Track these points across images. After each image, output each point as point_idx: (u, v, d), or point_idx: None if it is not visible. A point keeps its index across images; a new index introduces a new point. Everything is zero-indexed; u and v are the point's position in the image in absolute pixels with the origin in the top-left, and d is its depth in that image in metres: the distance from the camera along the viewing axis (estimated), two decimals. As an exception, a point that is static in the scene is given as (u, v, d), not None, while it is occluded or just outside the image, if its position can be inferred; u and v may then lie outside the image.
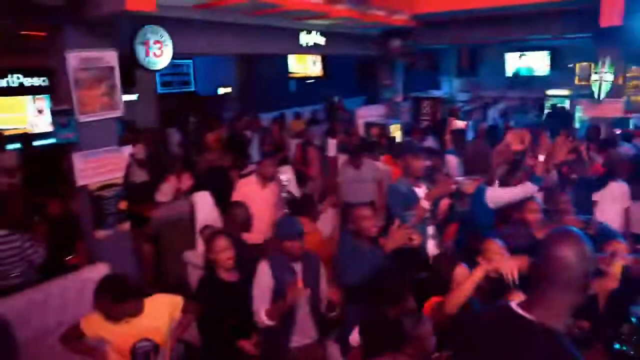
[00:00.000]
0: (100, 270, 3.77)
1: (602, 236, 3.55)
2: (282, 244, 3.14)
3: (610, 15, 8.60)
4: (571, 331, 2.82)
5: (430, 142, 8.18)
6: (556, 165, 4.82)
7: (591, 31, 9.35)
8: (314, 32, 8.54)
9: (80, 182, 4.39)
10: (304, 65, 12.54)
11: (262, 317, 3.00)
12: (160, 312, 2.89)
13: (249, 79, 13.60)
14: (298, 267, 3.18)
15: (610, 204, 5.22)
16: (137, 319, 2.79)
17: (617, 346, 2.97)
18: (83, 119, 4.37)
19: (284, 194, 5.51)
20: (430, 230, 4.07)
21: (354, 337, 2.90)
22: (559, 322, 1.65)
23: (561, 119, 10.94)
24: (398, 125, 9.62)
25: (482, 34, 10.95)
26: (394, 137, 9.02)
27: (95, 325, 2.76)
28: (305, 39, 8.41)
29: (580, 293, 1.65)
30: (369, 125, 9.43)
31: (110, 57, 4.55)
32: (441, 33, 10.99)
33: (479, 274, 2.28)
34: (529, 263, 2.57)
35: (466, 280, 2.65)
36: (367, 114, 10.20)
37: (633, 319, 3.04)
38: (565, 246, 1.63)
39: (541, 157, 3.91)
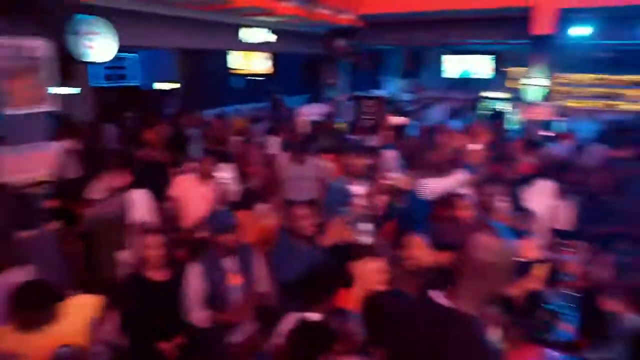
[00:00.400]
0: (21, 274, 3.55)
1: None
2: (215, 238, 3.12)
3: (542, 24, 9.06)
4: (493, 319, 2.95)
5: (374, 141, 8.28)
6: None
7: (525, 38, 9.78)
8: (261, 29, 8.50)
9: (5, 178, 4.16)
10: (249, 62, 12.41)
11: (196, 317, 2.96)
12: (80, 315, 2.75)
13: (193, 74, 13.34)
14: (233, 262, 3.18)
15: (538, 201, 5.45)
16: (55, 325, 2.60)
17: (535, 333, 3.14)
18: (10, 111, 4.14)
19: (223, 192, 5.44)
20: (368, 227, 4.14)
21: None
22: (477, 310, 1.74)
23: (493, 120, 11.47)
24: (341, 124, 9.68)
25: (425, 37, 11.24)
26: (338, 133, 9.06)
27: (3, 339, 2.52)
28: (252, 35, 8.35)
29: (497, 284, 1.75)
30: (312, 124, 9.45)
31: (41, 46, 4.33)
32: (386, 34, 11.20)
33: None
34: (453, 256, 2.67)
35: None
36: (309, 112, 10.21)
37: (547, 306, 3.22)
38: (481, 239, 1.71)
39: (478, 146, 4.05)
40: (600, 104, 12.93)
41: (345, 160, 4.43)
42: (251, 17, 7.93)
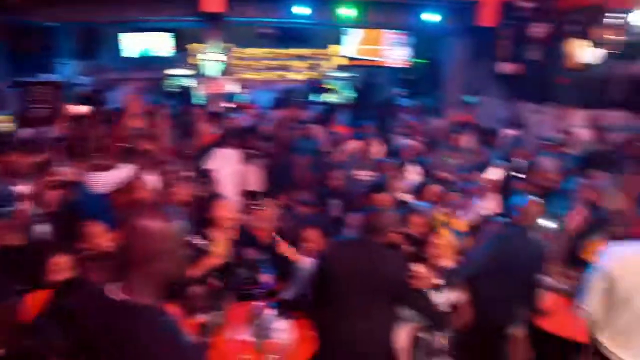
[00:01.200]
0: None
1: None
2: None
3: (211, 2, 9.57)
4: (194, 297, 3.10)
5: (51, 132, 7.50)
6: None
7: (198, 15, 10.12)
8: None
9: None
10: None
11: None
12: None
13: None
14: None
15: (226, 168, 5.81)
16: None
17: (240, 292, 3.44)
18: None
19: None
20: (45, 227, 3.77)
21: None
22: (151, 298, 1.67)
23: (181, 97, 11.71)
24: (6, 117, 8.41)
25: (97, 13, 10.58)
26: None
27: None
28: None
29: (167, 267, 1.69)
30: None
31: None
32: (52, 10, 10.13)
33: None
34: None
35: None
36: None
37: (245, 265, 3.56)
38: (146, 225, 1.65)
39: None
40: (273, 75, 14.48)
41: (8, 159, 3.90)
42: None
